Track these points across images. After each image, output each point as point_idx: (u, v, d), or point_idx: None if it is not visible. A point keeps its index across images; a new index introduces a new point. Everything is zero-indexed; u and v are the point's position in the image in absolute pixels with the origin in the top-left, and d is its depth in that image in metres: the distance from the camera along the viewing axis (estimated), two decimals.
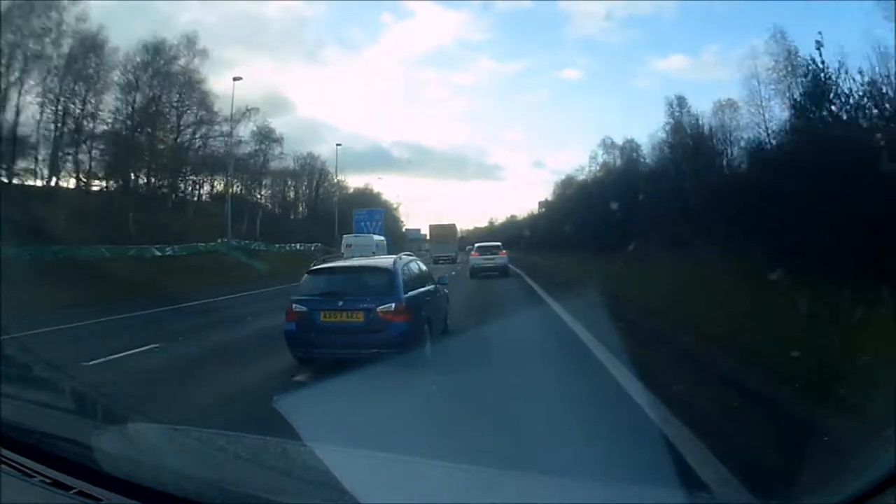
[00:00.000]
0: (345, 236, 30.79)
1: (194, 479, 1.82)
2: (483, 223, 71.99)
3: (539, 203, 57.35)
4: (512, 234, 49.48)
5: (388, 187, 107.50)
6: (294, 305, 7.54)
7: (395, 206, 66.62)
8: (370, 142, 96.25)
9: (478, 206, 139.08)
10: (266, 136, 44.36)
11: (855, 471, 1.47)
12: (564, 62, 76.39)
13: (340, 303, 7.34)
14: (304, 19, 70.23)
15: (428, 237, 54.88)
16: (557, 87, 72.99)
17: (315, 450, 2.09)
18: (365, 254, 27.81)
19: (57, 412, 2.72)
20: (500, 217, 65.10)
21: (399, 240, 60.91)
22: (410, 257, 9.31)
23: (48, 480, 1.77)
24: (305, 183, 53.91)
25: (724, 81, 63.26)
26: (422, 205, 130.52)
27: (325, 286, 7.74)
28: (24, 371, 4.05)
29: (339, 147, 48.70)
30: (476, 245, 29.51)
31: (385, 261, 8.58)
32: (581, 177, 41.09)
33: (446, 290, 10.48)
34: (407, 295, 7.56)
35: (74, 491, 1.71)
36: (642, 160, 31.45)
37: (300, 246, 42.82)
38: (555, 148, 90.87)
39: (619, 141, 36.36)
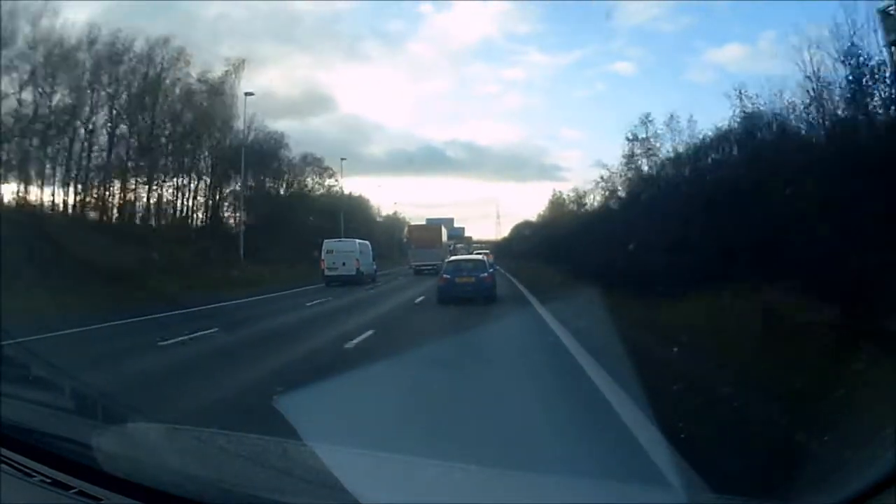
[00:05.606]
0: (326, 241, 29.75)
1: (194, 478, 1.82)
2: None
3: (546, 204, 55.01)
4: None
5: (393, 189, 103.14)
6: (444, 275, 17.17)
7: (377, 209, 61.08)
8: (422, 141, 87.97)
9: (539, 207, 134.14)
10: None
11: (855, 471, 1.46)
12: (616, 54, 69.90)
13: (465, 273, 17.04)
14: (339, 11, 63.61)
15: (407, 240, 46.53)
16: (612, 81, 65.95)
17: (315, 450, 2.09)
18: (347, 259, 27.98)
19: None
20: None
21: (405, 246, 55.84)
22: (485, 256, 21.73)
23: (48, 480, 1.76)
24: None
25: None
26: (476, 208, 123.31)
27: (456, 266, 17.71)
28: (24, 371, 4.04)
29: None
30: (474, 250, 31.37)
31: (478, 256, 21.28)
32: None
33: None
34: (489, 270, 17.76)
35: (74, 491, 1.71)
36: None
37: None
38: (615, 146, 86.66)
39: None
